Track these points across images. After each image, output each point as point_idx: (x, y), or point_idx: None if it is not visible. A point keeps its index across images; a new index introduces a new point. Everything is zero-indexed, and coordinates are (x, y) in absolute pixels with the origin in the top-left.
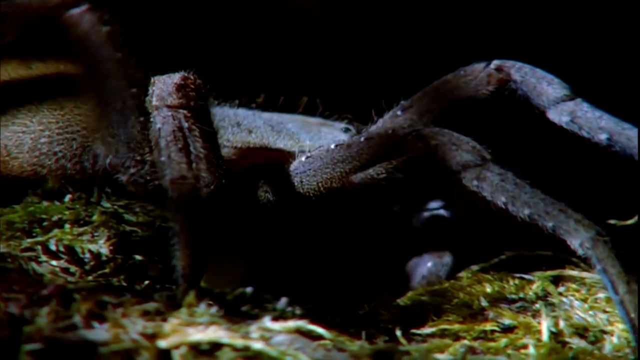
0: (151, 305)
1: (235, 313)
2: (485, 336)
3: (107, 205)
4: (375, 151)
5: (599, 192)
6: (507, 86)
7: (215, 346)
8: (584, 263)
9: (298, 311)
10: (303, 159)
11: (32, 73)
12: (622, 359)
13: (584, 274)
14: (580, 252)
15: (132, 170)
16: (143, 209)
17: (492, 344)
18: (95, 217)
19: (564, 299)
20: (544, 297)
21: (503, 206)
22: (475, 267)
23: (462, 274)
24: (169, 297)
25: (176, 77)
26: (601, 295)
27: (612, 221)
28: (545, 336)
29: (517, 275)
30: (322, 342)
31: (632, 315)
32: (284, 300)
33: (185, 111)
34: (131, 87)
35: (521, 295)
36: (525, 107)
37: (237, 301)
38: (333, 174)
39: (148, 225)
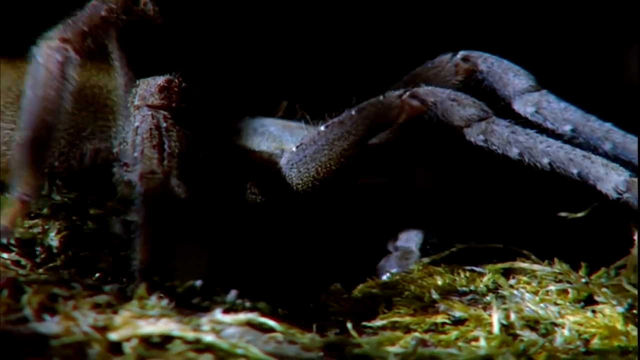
0: (102, 298)
1: (186, 305)
2: (436, 329)
3: (58, 198)
4: (371, 120)
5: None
6: (473, 77)
7: (167, 339)
8: (535, 255)
9: (248, 304)
10: (294, 149)
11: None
12: (573, 352)
13: (535, 267)
14: (614, 196)
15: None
16: (95, 202)
17: (443, 336)
18: (45, 210)
19: (515, 292)
20: (494, 289)
21: (518, 158)
22: (426, 260)
23: (414, 266)
24: (120, 290)
25: (160, 80)
26: (552, 287)
27: (563, 214)
28: (496, 329)
29: (468, 267)
30: (273, 334)
31: None
32: (233, 293)
33: (165, 112)
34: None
35: (472, 287)
36: (491, 97)
37: (188, 294)
38: (331, 154)
39: (100, 218)
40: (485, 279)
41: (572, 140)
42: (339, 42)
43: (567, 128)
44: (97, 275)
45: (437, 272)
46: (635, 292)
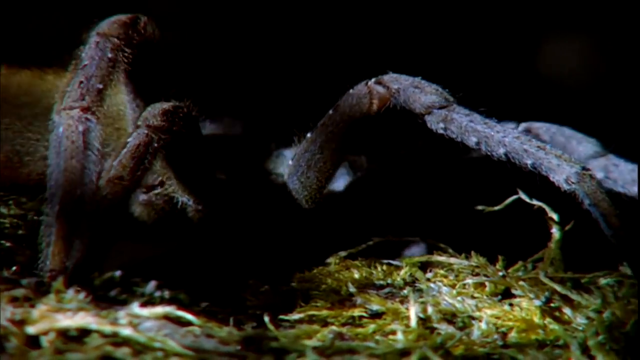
0: (19, 292)
1: (104, 298)
2: (353, 322)
3: None
4: (348, 115)
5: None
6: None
7: (84, 332)
8: (451, 249)
9: (167, 295)
10: (290, 162)
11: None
12: (491, 345)
13: (452, 260)
14: (565, 187)
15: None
16: (15, 202)
17: (360, 329)
18: None
19: (432, 285)
20: (411, 283)
21: (475, 147)
22: (343, 254)
23: (331, 259)
24: (37, 283)
25: (167, 104)
26: (469, 281)
27: (479, 207)
28: (413, 322)
29: (385, 261)
30: (190, 328)
31: (629, 247)
32: (152, 284)
33: (163, 135)
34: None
35: (389, 281)
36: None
37: (105, 286)
38: (325, 157)
39: (20, 218)
40: (402, 272)
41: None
42: None
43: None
44: (14, 268)
45: (354, 266)
46: (552, 285)
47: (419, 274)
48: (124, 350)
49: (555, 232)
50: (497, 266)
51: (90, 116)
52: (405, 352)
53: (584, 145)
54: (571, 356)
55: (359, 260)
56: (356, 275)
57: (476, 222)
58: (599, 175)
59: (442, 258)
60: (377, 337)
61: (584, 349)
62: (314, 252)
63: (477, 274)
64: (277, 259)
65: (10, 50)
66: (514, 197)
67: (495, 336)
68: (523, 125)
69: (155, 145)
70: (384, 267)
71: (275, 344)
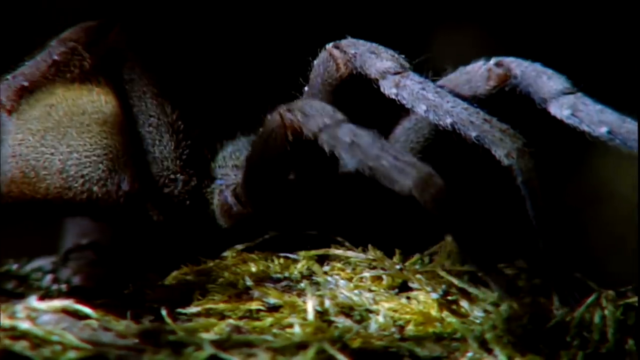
0: None
1: (1, 292)
2: (250, 315)
3: None
4: (322, 80)
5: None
6: (507, 82)
7: None
8: (349, 242)
9: (64, 288)
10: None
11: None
12: (388, 338)
13: (349, 253)
14: (505, 162)
15: (167, 190)
16: None
17: (257, 323)
18: None
19: (329, 278)
20: (309, 276)
21: (424, 114)
22: (239, 247)
23: (227, 253)
24: None
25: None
26: (366, 274)
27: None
28: (310, 315)
29: (282, 254)
30: (88, 321)
31: (547, 229)
32: (49, 278)
33: None
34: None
35: (286, 274)
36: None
37: (3, 278)
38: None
39: None
40: (299, 265)
41: (609, 142)
42: None
43: (604, 130)
44: None
45: (251, 259)
46: (449, 278)
47: (316, 267)
48: (23, 344)
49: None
50: (394, 259)
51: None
52: (303, 345)
53: (554, 81)
54: (469, 349)
55: (255, 254)
56: (253, 269)
57: (373, 216)
58: (565, 112)
59: (339, 251)
60: (275, 330)
61: (482, 342)
62: (210, 246)
63: (375, 267)
64: (173, 253)
65: (14, 63)
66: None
67: (393, 329)
68: (494, 59)
69: None
70: (281, 261)
71: (173, 337)
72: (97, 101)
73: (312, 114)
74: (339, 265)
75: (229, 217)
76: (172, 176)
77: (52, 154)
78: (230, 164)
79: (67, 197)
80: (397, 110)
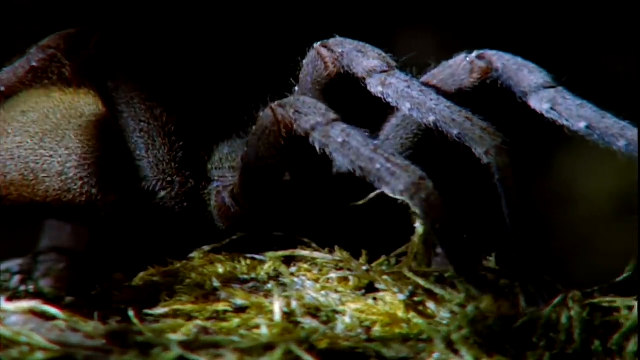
0: None
1: None
2: (217, 316)
3: None
4: (313, 78)
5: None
6: (489, 75)
7: None
8: (315, 243)
9: (32, 289)
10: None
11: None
12: (355, 339)
13: (316, 254)
14: (484, 160)
15: (163, 193)
16: None
17: (224, 324)
18: None
19: (296, 279)
20: (275, 277)
21: (409, 113)
22: (206, 248)
23: (194, 254)
24: None
25: None
26: (333, 275)
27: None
28: (277, 316)
29: (249, 255)
30: (56, 322)
31: (520, 228)
32: (16, 278)
33: None
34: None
35: (253, 275)
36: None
37: None
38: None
39: None
40: (266, 266)
41: (587, 136)
42: None
43: (582, 125)
44: None
45: (218, 260)
46: (416, 279)
47: (282, 268)
48: None
49: (419, 226)
50: (361, 260)
51: None
52: (270, 346)
53: (535, 75)
54: (435, 350)
55: (222, 255)
56: (220, 270)
57: (340, 217)
58: (545, 106)
59: (305, 252)
60: (242, 332)
61: (448, 343)
62: (177, 247)
63: (341, 269)
64: (140, 254)
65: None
66: (378, 191)
67: (359, 330)
68: (476, 52)
69: None
70: (248, 262)
71: (141, 338)
72: (79, 107)
73: (305, 111)
74: (305, 266)
75: (227, 218)
76: (168, 179)
77: (51, 156)
78: (227, 165)
79: (48, 200)
80: (385, 108)
